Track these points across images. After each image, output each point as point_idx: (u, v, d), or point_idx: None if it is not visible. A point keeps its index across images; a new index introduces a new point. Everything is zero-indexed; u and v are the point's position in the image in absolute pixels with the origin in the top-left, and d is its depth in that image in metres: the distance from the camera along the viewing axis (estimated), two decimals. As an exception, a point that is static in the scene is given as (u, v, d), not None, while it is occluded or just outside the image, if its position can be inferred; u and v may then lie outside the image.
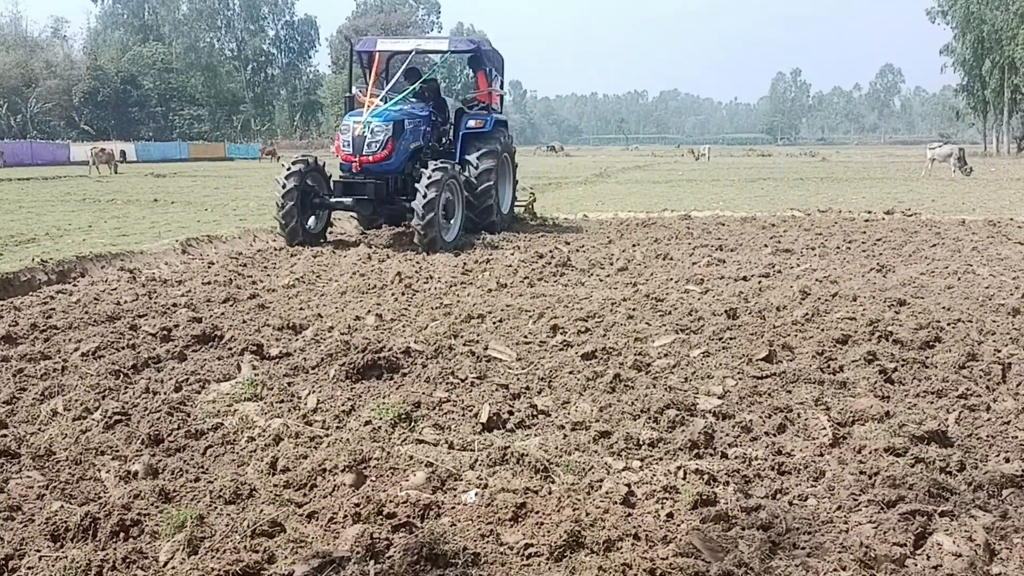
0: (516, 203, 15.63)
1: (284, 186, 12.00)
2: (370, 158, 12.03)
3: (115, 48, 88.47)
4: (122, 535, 3.28)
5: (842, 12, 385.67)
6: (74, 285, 8.95)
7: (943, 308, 7.36)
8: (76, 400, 4.80)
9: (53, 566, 3.02)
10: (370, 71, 13.50)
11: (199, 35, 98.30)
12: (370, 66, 13.59)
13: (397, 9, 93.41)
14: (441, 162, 11.99)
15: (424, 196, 11.42)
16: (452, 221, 12.41)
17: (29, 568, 3.04)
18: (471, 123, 13.63)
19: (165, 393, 4.99)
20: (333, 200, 12.39)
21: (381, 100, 12.81)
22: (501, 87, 15.17)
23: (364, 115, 12.15)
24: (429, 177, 11.51)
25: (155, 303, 7.80)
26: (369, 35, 18.28)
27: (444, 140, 13.67)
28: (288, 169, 12.24)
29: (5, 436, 4.27)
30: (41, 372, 5.47)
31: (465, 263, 10.49)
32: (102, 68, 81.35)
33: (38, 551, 3.16)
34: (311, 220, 12.71)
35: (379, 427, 4.40)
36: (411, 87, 13.37)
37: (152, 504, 3.51)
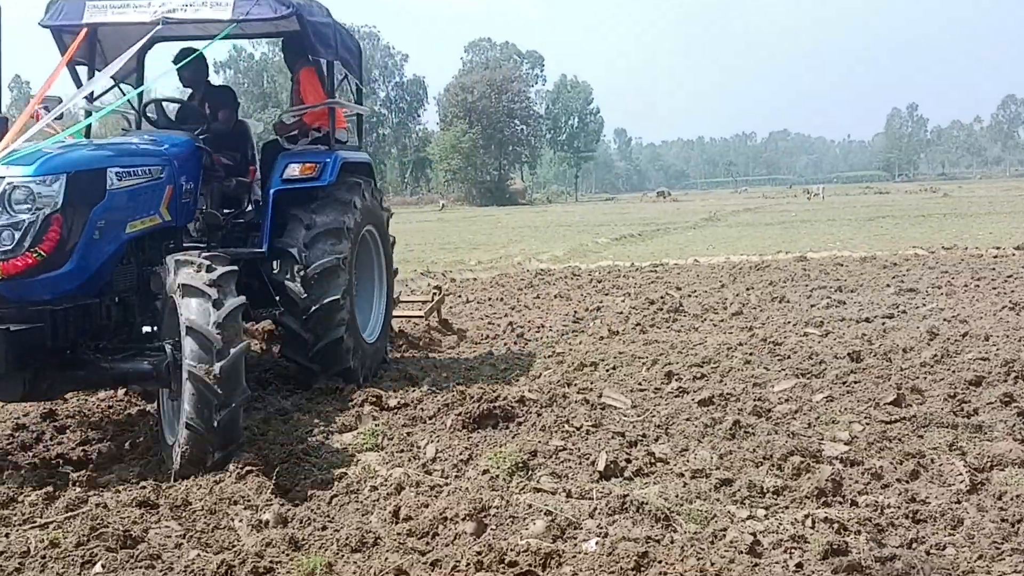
0: (402, 307, 8.99)
1: None
2: None
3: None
4: (255, 582, 3.40)
5: (957, 44, 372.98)
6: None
7: (1086, 346, 6.95)
8: (209, 451, 5.01)
9: (192, 611, 3.15)
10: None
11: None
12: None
13: (502, 65, 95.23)
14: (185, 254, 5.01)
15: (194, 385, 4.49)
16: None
17: (170, 613, 3.17)
18: (292, 170, 6.62)
19: (292, 444, 5.16)
20: None
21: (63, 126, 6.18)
22: (358, 97, 8.00)
23: None
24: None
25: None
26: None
27: (246, 205, 7.05)
28: None
29: (145, 488, 4.49)
30: (176, 425, 5.73)
31: (576, 311, 10.50)
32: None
33: (178, 597, 3.30)
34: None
35: (497, 476, 4.43)
36: (131, 92, 7.17)
37: (283, 552, 3.63)
